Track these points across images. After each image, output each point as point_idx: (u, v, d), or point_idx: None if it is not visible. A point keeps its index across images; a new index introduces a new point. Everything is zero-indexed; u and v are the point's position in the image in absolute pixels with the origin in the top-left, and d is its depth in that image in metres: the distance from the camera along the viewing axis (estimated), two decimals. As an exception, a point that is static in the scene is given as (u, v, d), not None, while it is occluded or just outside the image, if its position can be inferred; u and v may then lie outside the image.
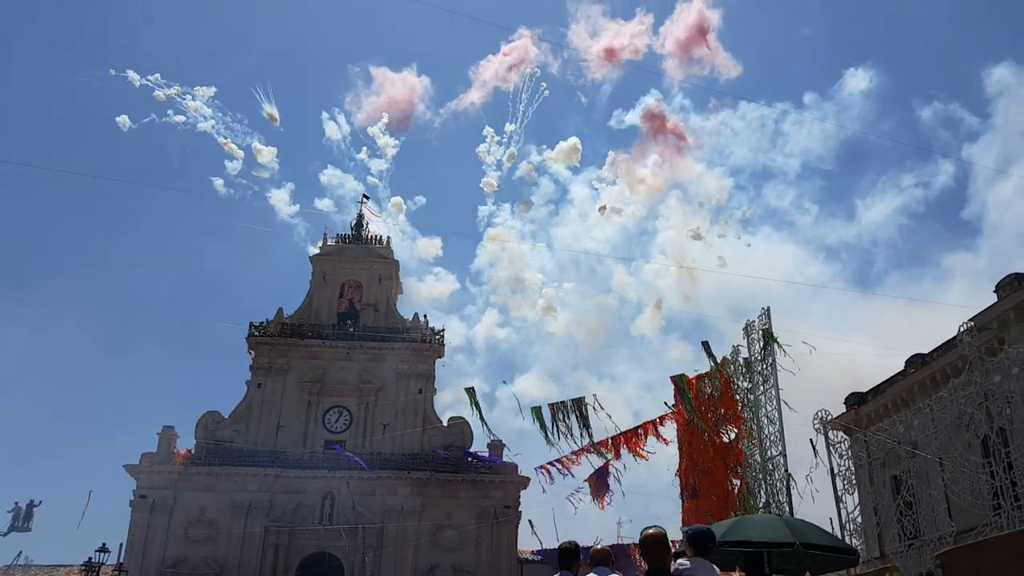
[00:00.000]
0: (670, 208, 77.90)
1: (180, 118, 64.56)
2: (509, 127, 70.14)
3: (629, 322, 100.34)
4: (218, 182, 70.03)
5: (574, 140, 74.92)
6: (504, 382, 51.63)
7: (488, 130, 71.96)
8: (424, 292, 72.89)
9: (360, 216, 59.30)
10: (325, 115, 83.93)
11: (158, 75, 63.98)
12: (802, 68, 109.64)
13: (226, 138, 64.55)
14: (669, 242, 77.91)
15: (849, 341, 50.30)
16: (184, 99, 63.67)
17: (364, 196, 61.61)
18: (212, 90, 66.47)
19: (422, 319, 55.62)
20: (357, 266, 56.45)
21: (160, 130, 74.84)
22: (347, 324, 54.53)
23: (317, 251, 57.07)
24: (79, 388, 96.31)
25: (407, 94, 73.28)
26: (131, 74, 62.58)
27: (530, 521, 45.75)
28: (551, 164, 75.84)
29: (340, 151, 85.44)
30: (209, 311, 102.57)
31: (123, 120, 66.40)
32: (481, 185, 76.42)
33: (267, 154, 66.44)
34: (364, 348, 53.00)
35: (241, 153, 66.01)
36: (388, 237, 58.88)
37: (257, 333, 52.85)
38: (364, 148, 70.56)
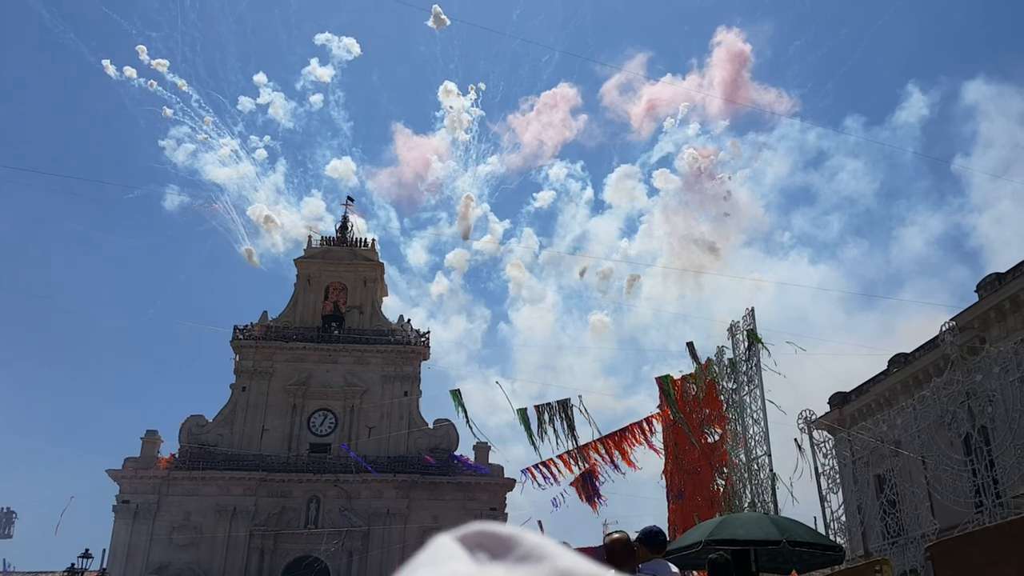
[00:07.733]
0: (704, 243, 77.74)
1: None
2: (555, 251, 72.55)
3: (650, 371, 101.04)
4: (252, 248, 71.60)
5: (624, 170, 76.13)
6: (497, 382, 51.04)
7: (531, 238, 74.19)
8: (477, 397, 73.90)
9: (345, 218, 59.13)
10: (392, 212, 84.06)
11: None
12: (842, 92, 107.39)
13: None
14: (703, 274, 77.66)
15: (843, 343, 50.55)
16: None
17: (349, 198, 61.49)
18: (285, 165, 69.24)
19: (407, 321, 55.54)
20: (342, 268, 56.27)
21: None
22: (332, 327, 54.36)
23: (301, 253, 56.93)
24: (60, 392, 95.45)
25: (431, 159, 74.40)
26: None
27: (539, 522, 45.60)
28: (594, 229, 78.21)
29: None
30: (193, 314, 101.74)
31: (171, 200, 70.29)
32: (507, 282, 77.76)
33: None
34: (349, 351, 52.86)
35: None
36: (373, 239, 58.81)
37: (241, 336, 52.62)
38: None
